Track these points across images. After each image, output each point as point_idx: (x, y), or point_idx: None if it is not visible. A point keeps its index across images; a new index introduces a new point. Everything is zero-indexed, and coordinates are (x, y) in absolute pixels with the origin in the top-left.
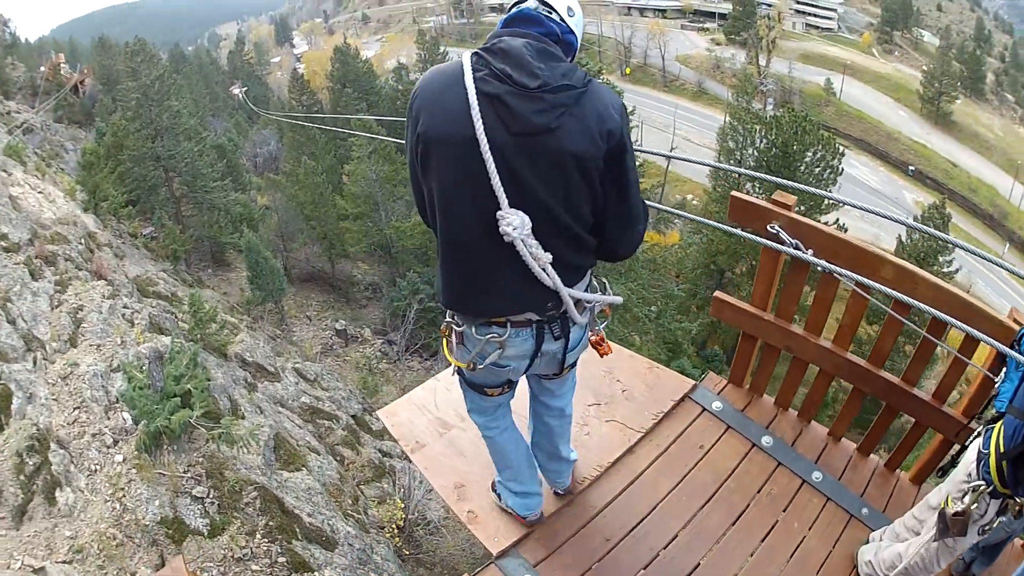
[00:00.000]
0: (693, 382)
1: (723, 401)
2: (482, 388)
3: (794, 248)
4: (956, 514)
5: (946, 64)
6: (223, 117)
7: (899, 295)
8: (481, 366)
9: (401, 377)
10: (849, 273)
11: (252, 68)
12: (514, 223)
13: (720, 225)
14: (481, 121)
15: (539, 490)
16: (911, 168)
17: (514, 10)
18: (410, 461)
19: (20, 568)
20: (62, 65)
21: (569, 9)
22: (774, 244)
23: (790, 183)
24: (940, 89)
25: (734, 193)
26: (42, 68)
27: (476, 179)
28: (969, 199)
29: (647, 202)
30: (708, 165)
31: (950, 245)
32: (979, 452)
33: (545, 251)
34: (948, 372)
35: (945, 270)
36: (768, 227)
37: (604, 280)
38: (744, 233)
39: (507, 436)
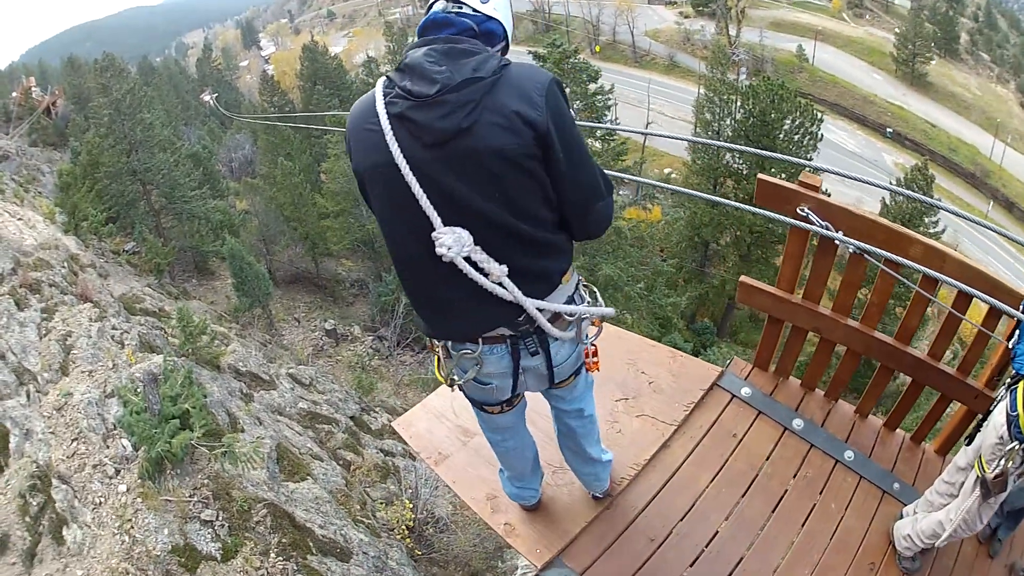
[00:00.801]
0: (719, 369)
1: (751, 386)
2: (481, 405)
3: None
4: (996, 476)
5: (919, 26)
6: (196, 125)
7: (932, 272)
8: (460, 381)
9: (395, 372)
10: (883, 252)
11: (221, 74)
12: (447, 243)
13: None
14: (396, 144)
15: (538, 488)
16: (889, 130)
17: (425, 17)
18: (414, 460)
19: None
20: (33, 89)
21: None
22: (804, 224)
23: (772, 154)
24: (914, 51)
25: (761, 176)
26: (13, 94)
27: (408, 202)
28: (950, 159)
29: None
30: (689, 140)
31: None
32: (1008, 415)
33: (500, 263)
34: (972, 345)
35: (931, 231)
36: (798, 210)
37: (595, 289)
38: (777, 215)
39: (514, 447)
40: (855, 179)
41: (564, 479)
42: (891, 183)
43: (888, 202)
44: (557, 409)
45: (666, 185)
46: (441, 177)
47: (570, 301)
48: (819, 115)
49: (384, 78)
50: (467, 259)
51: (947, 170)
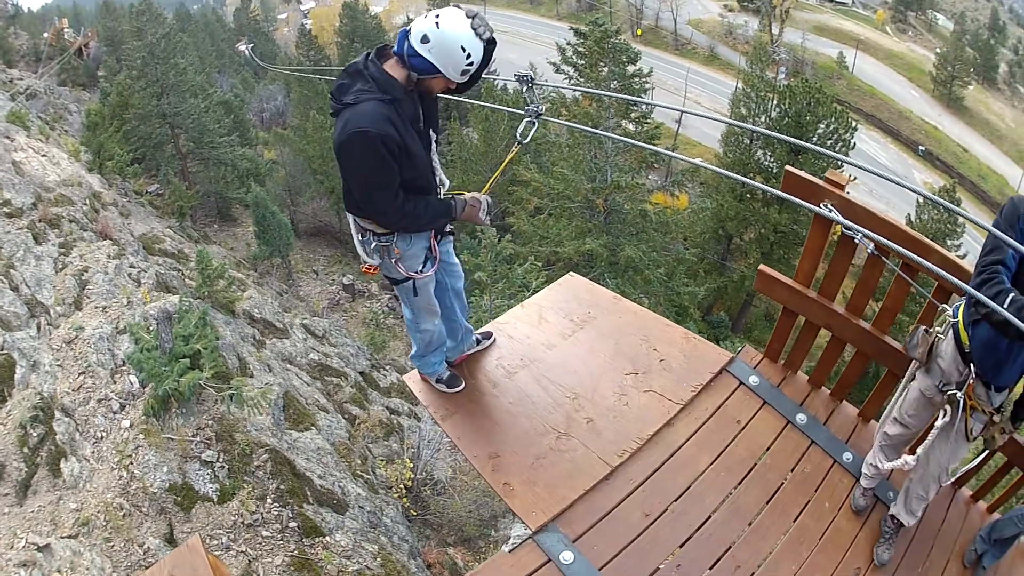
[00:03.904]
0: (731, 355)
1: (759, 376)
2: None
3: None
4: (926, 330)
5: (960, 49)
6: (229, 73)
7: (951, 277)
8: None
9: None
10: (904, 250)
11: (259, 24)
12: None
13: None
14: None
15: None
16: (921, 148)
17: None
18: (419, 420)
19: (24, 547)
20: (65, 30)
21: (424, 36)
22: (830, 215)
23: (808, 145)
24: (953, 73)
25: (789, 168)
26: (45, 35)
27: None
28: (978, 186)
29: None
30: (725, 122)
31: (959, 229)
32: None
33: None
34: None
35: (954, 253)
36: (822, 205)
37: (390, 247)
38: (803, 202)
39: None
40: (892, 180)
41: (568, 445)
42: (920, 200)
43: (913, 219)
44: None
45: (701, 163)
46: None
47: (360, 235)
48: (853, 123)
49: None
50: None
51: (975, 196)
